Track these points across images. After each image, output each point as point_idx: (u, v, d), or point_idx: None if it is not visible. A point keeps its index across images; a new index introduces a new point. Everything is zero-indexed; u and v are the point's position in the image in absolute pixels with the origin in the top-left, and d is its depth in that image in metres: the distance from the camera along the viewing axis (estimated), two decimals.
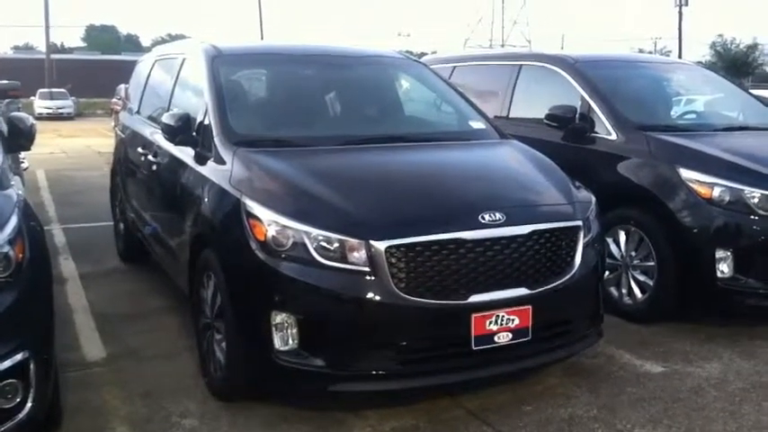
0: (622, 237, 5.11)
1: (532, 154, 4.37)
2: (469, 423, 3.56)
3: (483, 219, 3.42)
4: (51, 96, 37.29)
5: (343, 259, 3.27)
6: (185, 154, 4.36)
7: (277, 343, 3.32)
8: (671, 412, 3.69)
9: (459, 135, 4.69)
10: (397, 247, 3.25)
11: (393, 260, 3.24)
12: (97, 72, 53.11)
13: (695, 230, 4.72)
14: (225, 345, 3.62)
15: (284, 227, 3.33)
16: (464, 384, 3.67)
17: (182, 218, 4.28)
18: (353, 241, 3.26)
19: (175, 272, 4.70)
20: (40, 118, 35.39)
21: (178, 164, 4.47)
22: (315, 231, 3.28)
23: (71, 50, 77.56)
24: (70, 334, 4.80)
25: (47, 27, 44.96)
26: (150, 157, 5.12)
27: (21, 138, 4.03)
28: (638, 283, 5.02)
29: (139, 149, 5.45)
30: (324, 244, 3.28)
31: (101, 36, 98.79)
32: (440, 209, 3.50)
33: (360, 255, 3.25)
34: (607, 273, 5.16)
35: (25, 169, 8.23)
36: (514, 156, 4.33)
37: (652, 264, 4.90)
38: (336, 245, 3.27)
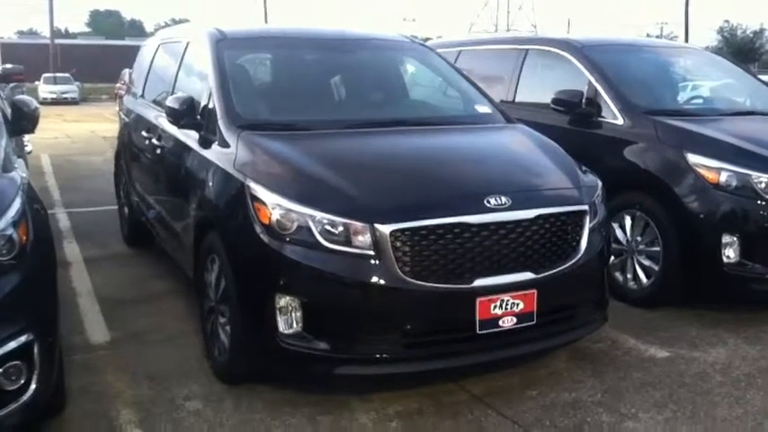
0: (628, 222, 5.09)
1: (539, 138, 4.34)
2: (473, 407, 3.56)
3: (488, 203, 3.40)
4: (56, 81, 37.30)
5: (348, 243, 3.26)
6: (189, 137, 4.35)
7: (281, 326, 3.32)
8: (675, 397, 3.69)
9: (465, 119, 4.66)
10: (402, 230, 3.24)
11: (398, 244, 3.23)
12: (101, 57, 53.13)
13: (701, 215, 4.69)
14: (229, 328, 3.62)
15: (289, 210, 3.31)
16: (469, 368, 3.66)
17: (186, 201, 4.27)
18: (358, 225, 3.25)
19: (180, 255, 4.70)
20: (44, 103, 35.37)
21: (182, 147, 4.46)
22: (319, 215, 3.27)
23: (75, 36, 77.46)
24: (74, 317, 4.81)
25: (51, 12, 44.89)
26: (154, 141, 5.10)
27: (24, 121, 4.02)
28: (644, 268, 5.00)
29: (144, 133, 5.44)
30: (328, 227, 3.27)
31: (105, 21, 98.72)
32: (445, 193, 3.48)
33: (364, 238, 3.24)
34: (613, 258, 5.15)
35: (29, 153, 8.23)
36: (520, 140, 4.31)
37: (658, 249, 4.88)
38: (341, 228, 3.26)
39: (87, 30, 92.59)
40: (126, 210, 6.55)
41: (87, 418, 3.49)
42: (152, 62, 6.04)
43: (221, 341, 3.75)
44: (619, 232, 5.13)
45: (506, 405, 3.57)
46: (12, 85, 25.81)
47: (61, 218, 8.04)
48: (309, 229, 3.27)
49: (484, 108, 4.71)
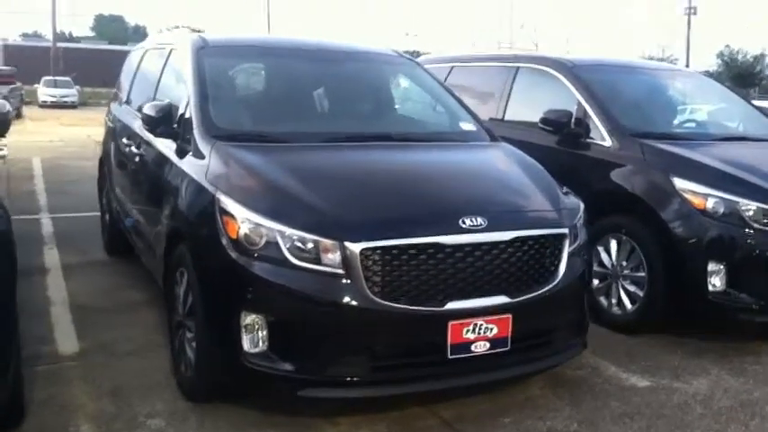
0: (614, 246, 4.99)
1: (521, 158, 4.25)
2: None
3: (464, 223, 3.30)
4: (56, 84, 37.32)
5: (317, 260, 3.15)
6: (167, 146, 4.26)
7: (246, 345, 3.21)
8: (654, 429, 3.57)
9: (448, 136, 4.58)
10: (373, 249, 3.14)
11: (368, 263, 3.13)
12: (104, 62, 53.05)
13: (687, 242, 4.60)
14: (195, 344, 3.51)
15: (257, 225, 3.21)
16: (440, 393, 3.55)
17: (159, 211, 4.18)
18: (327, 242, 3.15)
19: (153, 266, 4.60)
20: (43, 106, 35.49)
21: (159, 156, 4.37)
22: (288, 230, 3.17)
23: (79, 39, 77.59)
24: (45, 326, 4.71)
25: (53, 15, 44.98)
26: (134, 149, 5.01)
27: None
28: (628, 293, 4.90)
29: (125, 140, 5.35)
30: (297, 244, 3.17)
31: (109, 26, 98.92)
32: (419, 211, 3.39)
33: (334, 256, 3.14)
34: (597, 282, 5.07)
35: (2, 157, 8.14)
36: (502, 159, 4.22)
37: (642, 274, 4.78)
38: (310, 245, 3.16)
39: (92, 34, 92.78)
40: (107, 217, 6.45)
41: None
42: (138, 68, 5.97)
43: (188, 357, 3.64)
44: (604, 256, 5.04)
45: None
46: (11, 87, 25.88)
47: (45, 223, 7.95)
48: (278, 246, 3.17)
49: (468, 125, 4.63)
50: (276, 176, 3.50)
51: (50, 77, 38.45)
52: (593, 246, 5.00)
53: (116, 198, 5.82)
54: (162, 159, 4.29)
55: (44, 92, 36.42)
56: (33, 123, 24.58)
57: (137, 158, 4.94)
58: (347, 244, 3.12)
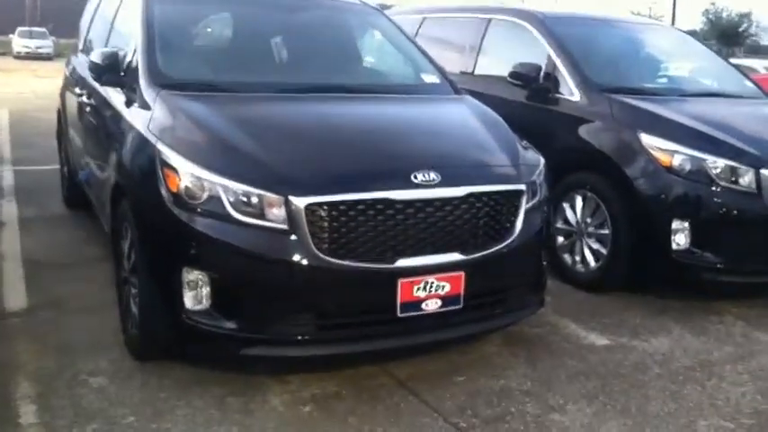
0: (579, 202, 4.90)
1: (482, 112, 4.11)
2: (395, 392, 3.37)
3: (415, 178, 3.18)
4: (31, 35, 36.47)
5: (261, 216, 3.03)
6: (114, 96, 4.09)
7: (188, 302, 3.10)
8: (608, 389, 3.52)
9: (409, 88, 4.42)
10: (319, 204, 3.01)
11: (314, 219, 3.01)
12: (81, 13, 51.80)
13: (652, 199, 4.51)
14: (138, 301, 3.39)
15: (199, 178, 3.07)
16: (392, 352, 3.47)
17: (107, 164, 4.02)
18: (272, 197, 3.01)
19: (104, 220, 4.45)
20: (18, 57, 34.69)
21: (106, 106, 4.20)
22: (231, 184, 3.03)
23: None
24: None
25: None
26: (85, 99, 4.83)
27: None
28: (592, 250, 4.82)
29: (77, 90, 5.16)
30: (241, 198, 3.04)
31: None
32: (370, 166, 3.26)
33: (278, 212, 3.01)
34: (561, 239, 4.99)
35: None
36: (462, 113, 4.08)
37: (607, 232, 4.70)
38: (254, 200, 3.03)
39: None
40: (65, 169, 6.27)
41: None
42: (94, 15, 5.74)
43: (133, 314, 3.52)
44: (569, 213, 4.95)
45: (429, 390, 3.39)
46: None
47: (6, 176, 7.75)
48: (220, 200, 3.04)
49: (431, 78, 4.47)
50: (221, 128, 3.34)
51: (25, 28, 37.55)
52: (559, 202, 4.92)
53: (72, 150, 5.64)
54: (109, 109, 4.12)
55: (19, 43, 35.61)
56: (6, 75, 24.05)
57: (88, 109, 4.76)
58: (292, 199, 2.99)
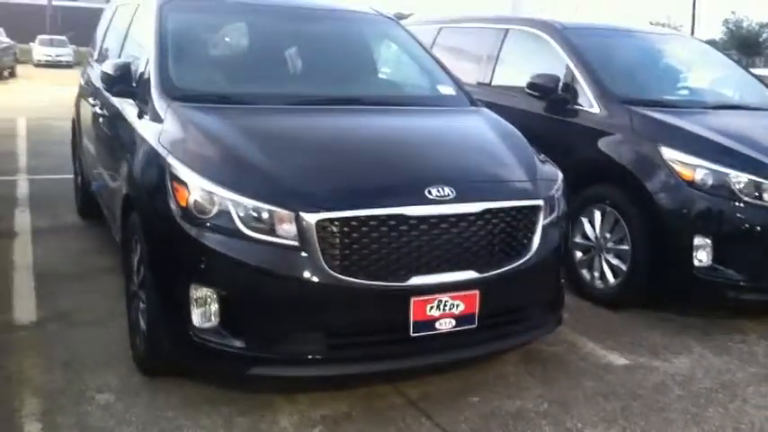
0: (598, 217, 4.79)
1: (499, 124, 4.03)
2: (407, 413, 3.28)
3: (429, 193, 3.09)
4: (51, 43, 36.78)
5: (272, 232, 2.95)
6: (126, 107, 4.04)
7: (196, 319, 3.03)
8: (628, 411, 3.41)
9: (424, 100, 4.35)
10: (330, 220, 2.93)
11: (325, 235, 2.93)
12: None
13: (673, 214, 4.39)
14: (146, 316, 3.33)
15: (209, 192, 3.01)
16: (405, 372, 3.38)
17: (118, 176, 3.98)
18: (282, 212, 2.94)
19: (115, 232, 4.40)
20: (38, 65, 35.00)
21: (118, 117, 4.15)
22: (241, 199, 2.97)
23: None
24: (4, 293, 4.55)
25: None
26: (98, 109, 4.80)
27: None
28: (611, 266, 4.71)
29: (91, 100, 5.14)
30: (251, 213, 2.97)
31: None
32: (383, 180, 3.18)
33: (289, 228, 2.94)
34: (580, 254, 4.88)
35: None
36: (479, 126, 3.99)
37: (626, 247, 4.59)
38: (264, 215, 2.96)
39: None
40: (79, 179, 6.25)
41: None
42: (108, 25, 5.72)
43: (141, 329, 3.46)
44: (588, 227, 4.85)
45: (442, 412, 3.29)
46: (3, 45, 25.43)
47: (21, 185, 7.75)
48: (230, 215, 2.97)
49: (447, 89, 4.39)
50: (232, 141, 3.28)
51: (46, 36, 37.87)
52: (577, 216, 4.82)
53: (85, 160, 5.62)
54: (121, 120, 4.07)
55: (39, 51, 35.92)
56: (26, 82, 24.26)
57: (101, 119, 4.72)
58: (303, 215, 2.92)
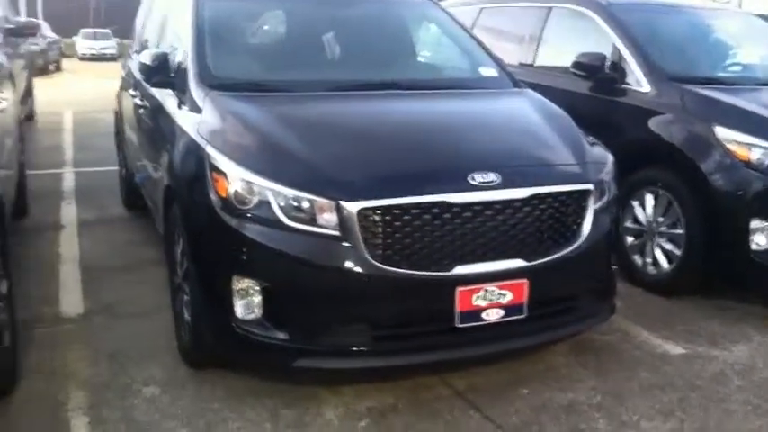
0: (649, 200, 4.62)
1: (544, 106, 3.89)
2: (455, 405, 3.20)
3: (473, 180, 2.99)
4: (95, 37, 37.21)
5: (312, 222, 2.89)
6: (164, 97, 4.01)
7: (239, 311, 2.98)
8: (686, 403, 3.28)
9: (466, 83, 4.22)
10: (372, 209, 2.85)
11: (366, 224, 2.85)
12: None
13: (729, 196, 4.21)
14: (189, 308, 3.30)
15: (248, 182, 2.95)
16: (449, 364, 3.30)
17: (159, 167, 3.96)
18: (323, 201, 2.87)
19: (158, 224, 4.39)
20: (83, 59, 35.51)
21: (158, 108, 4.13)
22: (281, 189, 2.90)
23: None
24: (52, 286, 4.57)
25: None
26: (138, 100, 4.78)
27: None
28: (665, 251, 4.55)
29: (131, 91, 5.13)
30: (291, 203, 2.90)
31: None
32: (425, 167, 3.08)
33: (330, 217, 2.87)
34: (631, 239, 4.73)
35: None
36: (523, 108, 3.86)
37: (680, 231, 4.42)
38: (305, 205, 2.89)
39: None
40: (123, 171, 6.28)
41: (33, 401, 3.21)
42: (147, 16, 5.70)
43: (186, 321, 3.43)
44: (639, 211, 4.68)
45: (492, 404, 3.20)
46: (48, 40, 25.84)
47: (67, 177, 7.82)
48: (270, 205, 2.91)
49: (489, 71, 4.26)
50: (271, 130, 3.21)
51: (89, 30, 38.34)
52: (627, 200, 4.66)
53: (128, 152, 5.63)
54: (160, 111, 4.04)
55: (83, 45, 36.40)
56: (71, 76, 24.64)
57: (141, 111, 4.71)
58: (343, 203, 2.84)
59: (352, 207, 2.83)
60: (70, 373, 3.46)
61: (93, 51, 35.80)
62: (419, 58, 4.62)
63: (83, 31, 37.63)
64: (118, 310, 4.22)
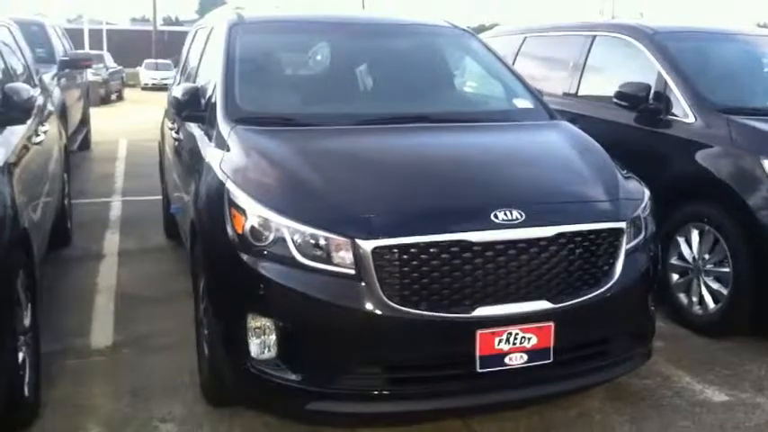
0: (695, 236, 4.40)
1: (578, 139, 3.75)
2: None
3: (496, 217, 2.87)
4: (156, 67, 38.29)
5: (328, 260, 2.81)
6: (196, 131, 4.02)
7: (254, 350, 2.91)
8: None
9: (498, 115, 4.10)
10: (388, 248, 2.75)
11: (383, 263, 2.75)
12: None
13: None
14: (207, 344, 3.26)
15: (265, 219, 2.89)
16: (469, 410, 3.15)
17: (188, 201, 3.95)
18: (338, 239, 2.79)
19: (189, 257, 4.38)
20: (145, 88, 36.56)
21: (189, 141, 4.14)
22: (296, 226, 2.83)
23: (182, 23, 79.95)
24: (84, 316, 4.59)
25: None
26: (174, 133, 4.82)
27: (15, 111, 3.74)
28: (711, 291, 4.31)
29: (169, 124, 5.17)
30: (307, 240, 2.83)
31: (212, 9, 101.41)
32: (445, 204, 2.96)
33: (345, 255, 2.78)
34: (676, 277, 4.51)
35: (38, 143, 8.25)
36: (556, 141, 3.72)
37: (727, 270, 4.19)
38: (321, 242, 2.82)
39: (196, 17, 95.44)
40: (165, 200, 6.34)
41: None
42: (189, 49, 5.77)
43: (205, 357, 3.39)
44: (684, 248, 4.46)
45: None
46: (111, 70, 26.71)
47: (114, 206, 7.96)
48: (285, 243, 2.84)
49: (524, 103, 4.14)
50: (292, 166, 3.16)
51: (152, 60, 39.53)
52: (673, 236, 4.46)
53: (166, 182, 5.69)
54: (191, 144, 4.05)
55: (145, 75, 37.52)
56: (131, 105, 25.32)
57: (176, 143, 4.74)
58: (359, 242, 2.76)
59: (367, 245, 2.74)
60: (92, 408, 3.44)
61: (155, 81, 36.79)
62: (452, 91, 4.52)
63: (146, 61, 38.83)
64: (148, 342, 4.21)
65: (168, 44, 47.34)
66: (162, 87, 36.16)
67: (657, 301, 3.52)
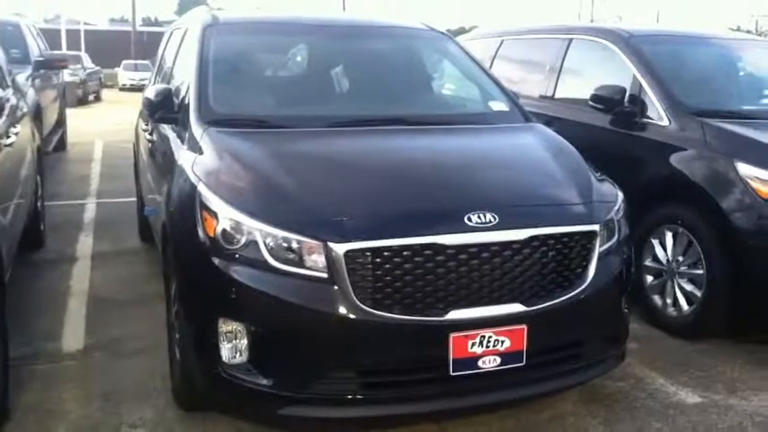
0: (669, 239, 4.43)
1: (552, 141, 3.75)
2: None
3: (469, 220, 2.86)
4: (135, 68, 38.01)
5: (300, 264, 2.78)
6: (168, 132, 3.97)
7: (225, 355, 2.87)
8: None
9: (473, 118, 4.10)
10: (361, 251, 2.73)
11: (355, 267, 2.73)
12: None
13: (752, 236, 4.01)
14: (179, 348, 3.22)
15: (237, 222, 2.86)
16: (445, 413, 3.14)
17: (159, 203, 3.90)
18: (310, 242, 2.76)
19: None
20: (123, 89, 36.28)
21: (162, 143, 4.09)
22: (268, 229, 2.80)
23: (162, 24, 79.44)
24: (56, 320, 4.53)
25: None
26: (147, 135, 4.76)
27: None
28: (685, 292, 4.34)
29: (143, 125, 5.12)
30: (279, 244, 2.80)
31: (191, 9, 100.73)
32: (418, 207, 2.95)
33: (318, 259, 2.76)
34: (651, 279, 4.53)
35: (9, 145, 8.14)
36: (530, 144, 3.72)
37: (701, 272, 4.22)
38: (293, 245, 2.79)
39: (176, 18, 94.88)
40: (140, 202, 6.27)
41: None
42: (163, 51, 5.71)
43: (177, 361, 3.34)
44: (659, 250, 4.49)
45: None
46: (89, 71, 26.47)
47: (89, 208, 7.88)
48: (257, 246, 2.81)
49: (500, 105, 4.14)
50: (264, 168, 3.13)
51: (130, 61, 39.25)
52: (647, 238, 4.49)
53: (139, 184, 5.63)
54: (164, 147, 4.01)
55: (124, 75, 37.24)
56: (109, 106, 25.09)
57: (149, 145, 4.69)
58: (331, 245, 2.73)
59: (340, 249, 2.72)
60: (62, 413, 3.38)
61: (134, 82, 36.48)
62: (428, 93, 4.50)
63: (124, 62, 38.55)
64: (120, 346, 4.16)
65: (147, 45, 46.94)
66: (140, 88, 35.93)
67: (632, 302, 3.53)
